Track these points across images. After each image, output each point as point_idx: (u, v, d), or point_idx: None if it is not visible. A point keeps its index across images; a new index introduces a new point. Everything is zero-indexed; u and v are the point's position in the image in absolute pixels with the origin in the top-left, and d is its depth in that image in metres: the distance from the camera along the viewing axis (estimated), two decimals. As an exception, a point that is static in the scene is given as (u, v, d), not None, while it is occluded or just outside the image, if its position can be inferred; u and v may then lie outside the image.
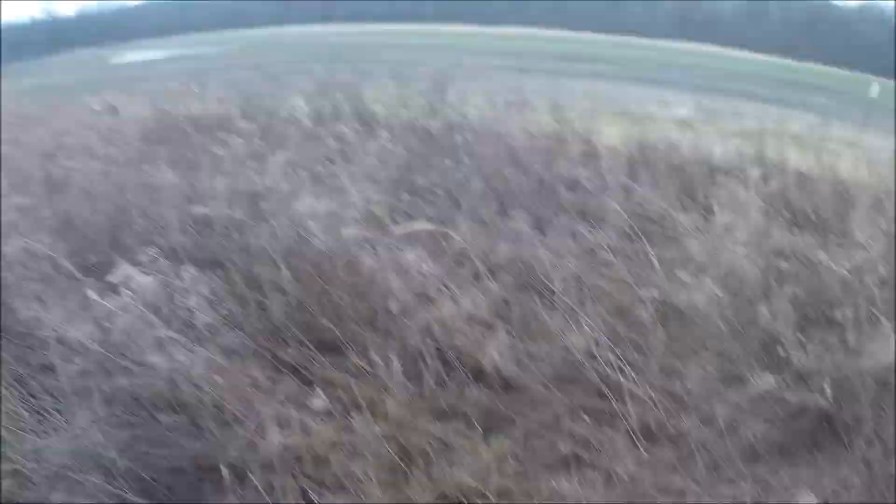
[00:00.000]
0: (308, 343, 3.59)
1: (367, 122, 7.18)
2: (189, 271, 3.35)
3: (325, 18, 40.04)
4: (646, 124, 8.11)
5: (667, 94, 12.13)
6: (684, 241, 4.09)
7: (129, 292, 3.08)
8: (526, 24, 32.14)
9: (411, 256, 3.61)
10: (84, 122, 9.87)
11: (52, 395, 3.20)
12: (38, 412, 3.10)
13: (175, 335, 3.11)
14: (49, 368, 3.30)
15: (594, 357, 3.27)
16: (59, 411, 3.08)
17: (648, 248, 4.02)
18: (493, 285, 3.72)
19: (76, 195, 5.25)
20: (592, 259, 4.08)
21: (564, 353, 3.34)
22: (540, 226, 4.52)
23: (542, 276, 3.85)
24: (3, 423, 2.98)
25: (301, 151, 5.85)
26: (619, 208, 4.57)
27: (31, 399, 3.21)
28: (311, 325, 3.71)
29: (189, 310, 3.30)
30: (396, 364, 3.18)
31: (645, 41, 28.32)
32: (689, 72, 18.78)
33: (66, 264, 3.79)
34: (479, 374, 3.39)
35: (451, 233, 4.21)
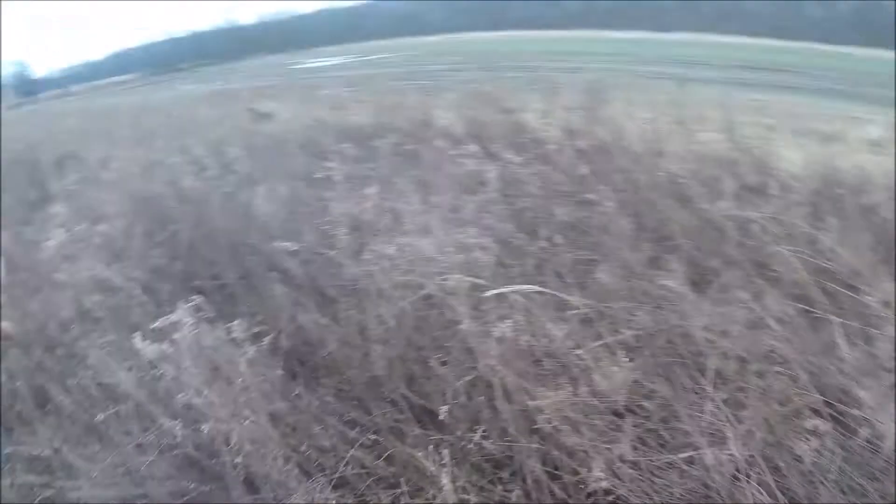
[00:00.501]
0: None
1: (510, 139, 6.50)
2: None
3: (497, 25, 39.98)
4: (832, 146, 6.83)
5: (855, 109, 10.52)
6: (881, 328, 3.02)
7: (173, 341, 2.64)
8: (698, 29, 30.18)
9: (519, 318, 2.89)
10: (234, 130, 10.00)
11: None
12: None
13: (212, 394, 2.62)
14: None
15: (739, 485, 2.39)
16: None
17: (837, 334, 2.96)
18: (624, 364, 2.89)
19: (161, 215, 5.03)
20: (759, 338, 3.08)
21: (703, 473, 2.46)
22: (697, 282, 3.62)
23: (691, 357, 3.00)
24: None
25: (430, 172, 5.32)
26: (798, 264, 3.57)
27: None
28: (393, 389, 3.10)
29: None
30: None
31: (827, 47, 25.41)
32: (878, 81, 16.33)
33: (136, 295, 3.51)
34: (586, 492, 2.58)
35: (583, 286, 3.49)
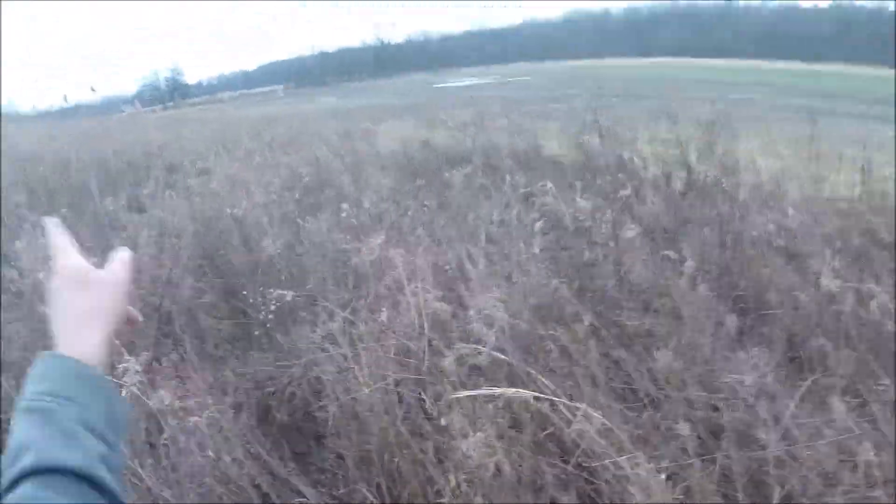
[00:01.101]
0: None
1: (608, 174, 5.77)
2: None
3: (645, 52, 38.78)
4: None
5: None
6: None
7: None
8: (850, 60, 27.57)
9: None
10: (338, 146, 9.86)
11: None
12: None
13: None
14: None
15: None
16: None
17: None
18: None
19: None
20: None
21: None
22: (796, 377, 2.81)
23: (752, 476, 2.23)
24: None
25: (495, 210, 4.73)
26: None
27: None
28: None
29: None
30: None
31: None
32: None
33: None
34: None
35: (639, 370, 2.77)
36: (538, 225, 3.45)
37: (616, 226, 4.08)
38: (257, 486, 2.54)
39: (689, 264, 3.39)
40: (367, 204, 5.26)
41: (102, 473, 0.76)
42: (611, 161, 6.46)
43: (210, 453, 2.46)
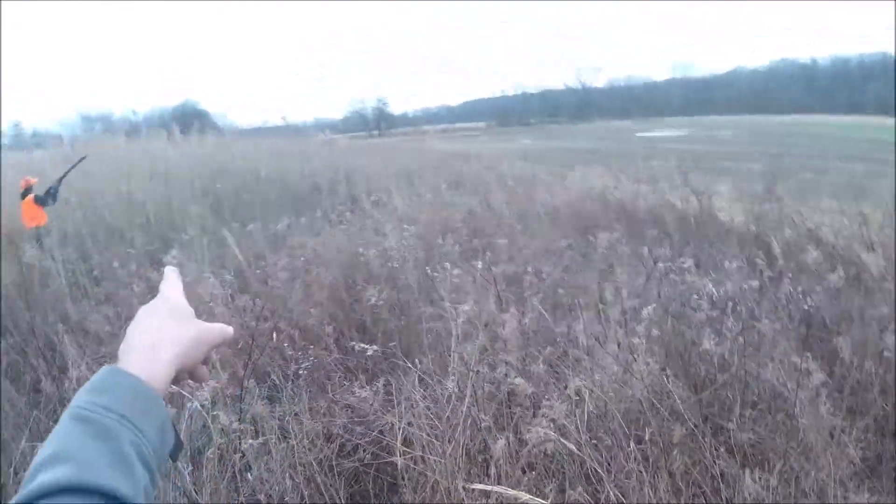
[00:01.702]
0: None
1: (765, 249, 5.29)
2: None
3: (853, 108, 35.53)
4: None
5: None
6: None
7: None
8: None
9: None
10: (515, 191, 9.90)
11: None
12: None
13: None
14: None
15: None
16: None
17: None
18: None
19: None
20: None
21: None
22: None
23: None
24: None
25: (629, 279, 4.50)
26: None
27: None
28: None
29: None
30: None
31: None
32: None
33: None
34: None
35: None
36: (647, 311, 3.19)
37: (752, 316, 3.73)
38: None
39: (818, 377, 3.00)
40: (504, 258, 5.22)
41: None
42: (776, 235, 5.92)
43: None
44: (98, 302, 5.84)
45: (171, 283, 0.97)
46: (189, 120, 16.60)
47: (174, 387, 0.90)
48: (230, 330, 0.96)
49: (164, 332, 0.88)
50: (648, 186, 9.76)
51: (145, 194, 9.06)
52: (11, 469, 2.85)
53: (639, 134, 42.92)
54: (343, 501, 2.92)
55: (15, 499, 0.67)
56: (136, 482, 0.72)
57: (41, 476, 0.68)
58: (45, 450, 0.72)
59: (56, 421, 0.74)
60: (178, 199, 8.76)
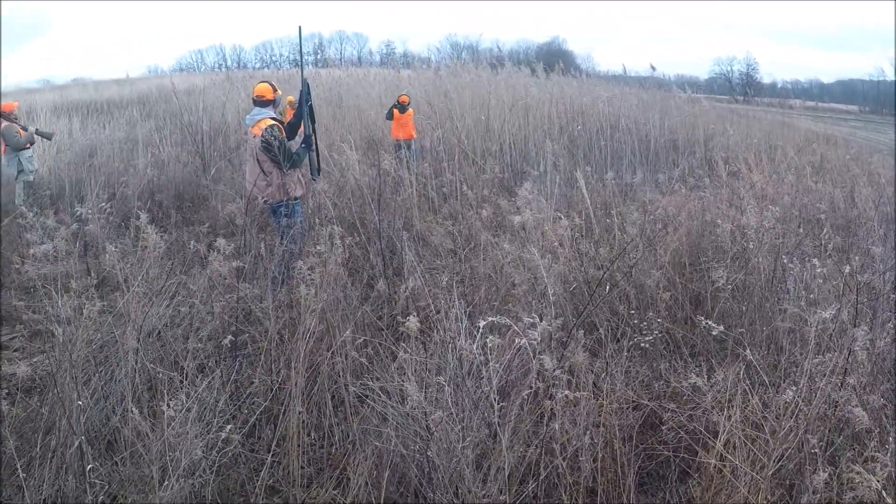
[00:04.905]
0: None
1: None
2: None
3: None
4: None
5: None
6: None
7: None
8: None
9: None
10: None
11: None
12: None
13: None
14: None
15: None
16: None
17: None
18: None
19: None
20: None
21: None
22: None
23: None
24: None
25: None
26: None
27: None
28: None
29: None
30: None
31: None
32: None
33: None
34: None
35: None
36: None
37: None
38: None
39: None
40: (873, 266, 4.54)
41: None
42: None
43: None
44: (444, 217, 6.16)
45: None
46: (554, 59, 16.74)
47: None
48: None
49: None
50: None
51: (503, 124, 9.39)
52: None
53: None
54: (633, 476, 2.77)
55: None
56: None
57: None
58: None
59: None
60: (535, 135, 8.93)
